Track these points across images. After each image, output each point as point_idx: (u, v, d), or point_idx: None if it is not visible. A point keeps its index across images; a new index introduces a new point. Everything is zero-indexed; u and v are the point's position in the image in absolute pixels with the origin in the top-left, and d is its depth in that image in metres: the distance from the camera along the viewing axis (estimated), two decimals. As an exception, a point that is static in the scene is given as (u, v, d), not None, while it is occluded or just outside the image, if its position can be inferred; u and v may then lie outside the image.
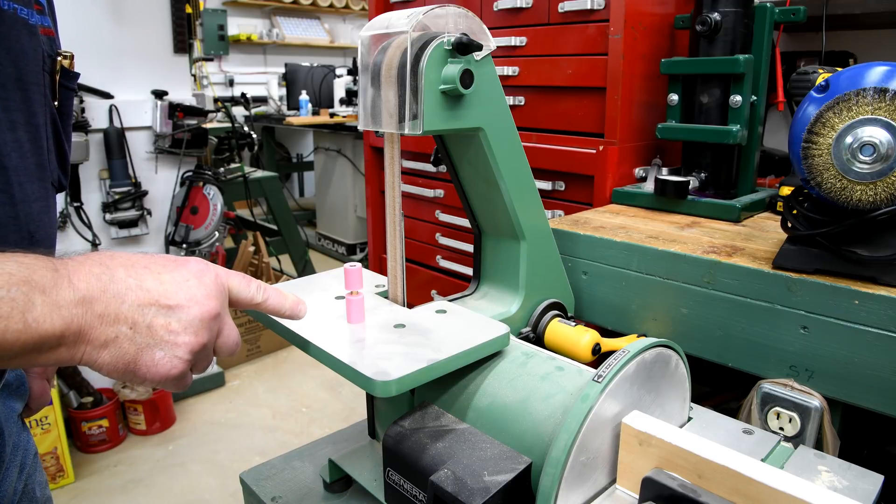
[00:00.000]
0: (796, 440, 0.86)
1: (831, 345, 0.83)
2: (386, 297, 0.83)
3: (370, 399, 0.88)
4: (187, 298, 0.54)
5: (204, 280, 0.56)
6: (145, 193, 2.66)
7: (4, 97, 0.63)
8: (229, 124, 3.38)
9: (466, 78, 0.70)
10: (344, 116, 4.48)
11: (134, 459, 2.38)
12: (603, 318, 1.10)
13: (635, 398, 0.65)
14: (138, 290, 0.52)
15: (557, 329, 0.91)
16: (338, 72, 5.16)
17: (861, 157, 0.76)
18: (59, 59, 0.72)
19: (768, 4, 1.19)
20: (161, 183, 2.74)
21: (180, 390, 0.59)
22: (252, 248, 3.48)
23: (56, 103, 0.72)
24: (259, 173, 3.74)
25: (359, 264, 0.75)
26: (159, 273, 0.54)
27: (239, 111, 4.66)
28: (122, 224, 2.60)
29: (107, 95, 2.49)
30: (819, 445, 0.86)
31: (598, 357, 0.86)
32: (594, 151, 1.36)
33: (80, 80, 2.37)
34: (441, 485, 0.59)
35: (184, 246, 2.78)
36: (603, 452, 0.63)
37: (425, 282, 1.87)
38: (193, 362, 0.56)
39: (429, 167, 1.80)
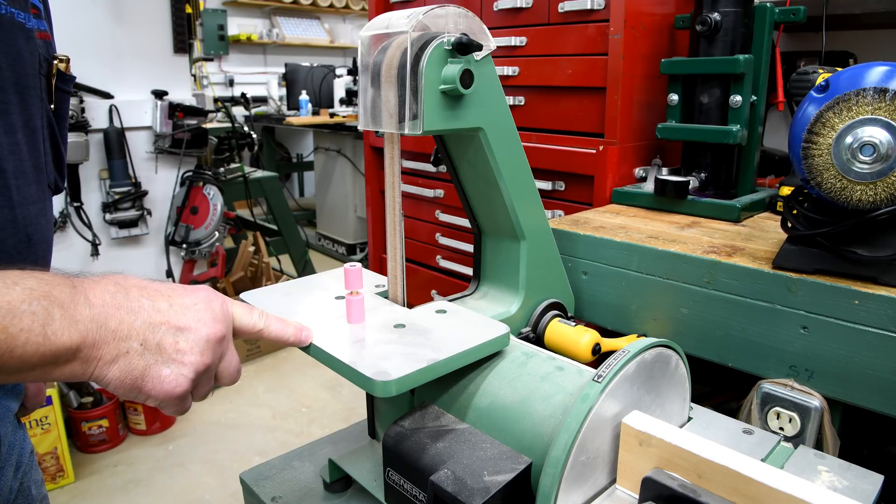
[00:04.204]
0: (796, 440, 0.86)
1: (831, 345, 0.83)
2: (386, 297, 0.83)
3: (370, 399, 0.88)
4: (196, 320, 0.57)
5: (212, 305, 0.59)
6: (145, 193, 2.66)
7: (3, 100, 0.64)
8: (229, 124, 3.38)
9: (466, 78, 0.70)
10: (344, 116, 4.48)
11: (134, 459, 2.38)
12: (603, 318, 1.10)
13: (635, 398, 0.65)
14: (151, 310, 0.55)
15: (557, 329, 0.91)
16: (338, 72, 5.16)
17: (861, 157, 0.76)
18: (56, 62, 0.72)
19: (768, 4, 1.19)
20: (161, 183, 2.74)
21: (180, 413, 0.60)
22: (252, 248, 3.48)
23: (52, 106, 0.72)
24: (259, 173, 3.74)
25: (359, 264, 0.75)
26: (170, 296, 0.57)
27: (239, 111, 4.65)
28: (122, 224, 2.61)
29: (107, 95, 2.49)
30: (819, 445, 0.86)
31: (598, 357, 0.86)
32: (594, 151, 1.36)
33: (80, 80, 2.38)
34: (441, 485, 0.59)
35: (184, 246, 2.78)
36: (603, 452, 0.63)
37: (425, 282, 1.87)
38: (196, 383, 0.58)
39: (429, 167, 1.80)
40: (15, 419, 0.73)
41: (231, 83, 5.96)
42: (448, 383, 0.74)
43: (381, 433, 0.87)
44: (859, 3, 1.37)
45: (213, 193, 2.83)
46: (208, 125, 2.89)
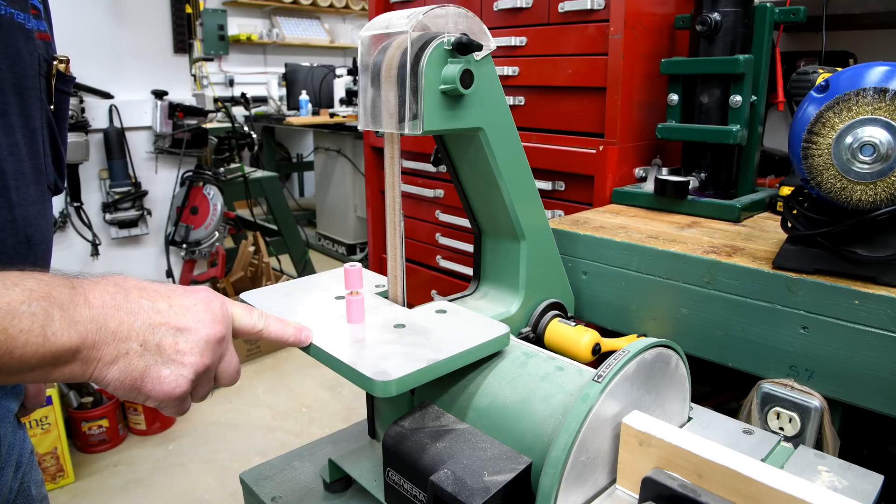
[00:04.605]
0: (796, 440, 0.86)
1: (831, 345, 0.83)
2: (386, 297, 0.83)
3: (370, 399, 0.88)
4: (195, 321, 0.57)
5: (211, 306, 0.59)
6: (145, 193, 2.66)
7: (2, 101, 0.64)
8: (229, 124, 3.38)
9: (466, 78, 0.70)
10: (344, 116, 4.48)
11: (134, 459, 2.38)
12: (603, 318, 1.10)
13: (635, 398, 0.65)
14: (150, 311, 0.55)
15: (557, 329, 0.91)
16: (338, 72, 5.16)
17: (861, 157, 0.76)
18: (55, 63, 0.72)
19: (768, 4, 1.19)
20: (161, 183, 2.74)
21: (179, 414, 0.60)
22: (252, 248, 3.48)
23: (52, 107, 0.72)
24: (259, 173, 3.74)
25: (359, 264, 0.75)
26: (169, 297, 0.57)
27: (239, 111, 4.65)
28: (122, 224, 2.61)
29: (107, 95, 2.49)
30: (819, 445, 0.86)
31: (598, 357, 0.86)
32: (594, 151, 1.36)
33: (81, 80, 2.38)
34: (441, 485, 0.59)
35: (184, 246, 2.78)
36: (603, 452, 0.63)
37: (425, 282, 1.87)
38: (196, 384, 0.58)
39: (429, 167, 1.80)
40: (15, 419, 0.73)
41: (231, 83, 5.96)
42: (448, 383, 0.74)
43: (381, 433, 0.87)
44: (859, 3, 1.37)
45: (213, 193, 2.83)
46: (208, 125, 2.89)
